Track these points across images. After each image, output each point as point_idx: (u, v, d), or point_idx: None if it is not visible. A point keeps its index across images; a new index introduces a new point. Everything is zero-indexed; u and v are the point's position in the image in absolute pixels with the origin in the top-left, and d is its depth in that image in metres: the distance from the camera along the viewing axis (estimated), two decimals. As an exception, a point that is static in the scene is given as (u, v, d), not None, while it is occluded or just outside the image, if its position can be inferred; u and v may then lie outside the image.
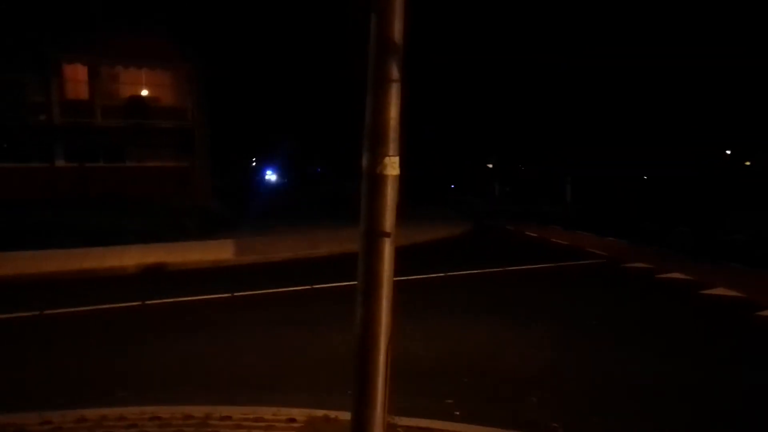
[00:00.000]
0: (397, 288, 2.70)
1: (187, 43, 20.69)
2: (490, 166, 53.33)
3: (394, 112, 2.62)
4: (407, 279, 9.46)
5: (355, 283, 2.66)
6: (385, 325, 2.70)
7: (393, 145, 2.63)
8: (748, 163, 41.25)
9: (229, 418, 4.24)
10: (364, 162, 2.66)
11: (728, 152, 38.82)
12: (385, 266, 2.66)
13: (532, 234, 17.95)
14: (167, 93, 22.33)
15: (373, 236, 2.64)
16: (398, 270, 2.71)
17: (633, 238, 16.48)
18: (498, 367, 5.75)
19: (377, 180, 2.62)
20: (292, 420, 4.20)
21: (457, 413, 4.59)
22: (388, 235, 2.65)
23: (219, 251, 12.95)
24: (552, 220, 22.37)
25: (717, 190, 32.97)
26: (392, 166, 2.63)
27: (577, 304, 8.56)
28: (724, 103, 33.75)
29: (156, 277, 10.97)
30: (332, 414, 4.23)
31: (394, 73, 2.59)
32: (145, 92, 21.86)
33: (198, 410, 4.35)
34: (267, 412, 4.34)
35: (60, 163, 20.10)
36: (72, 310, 8.21)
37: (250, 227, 17.62)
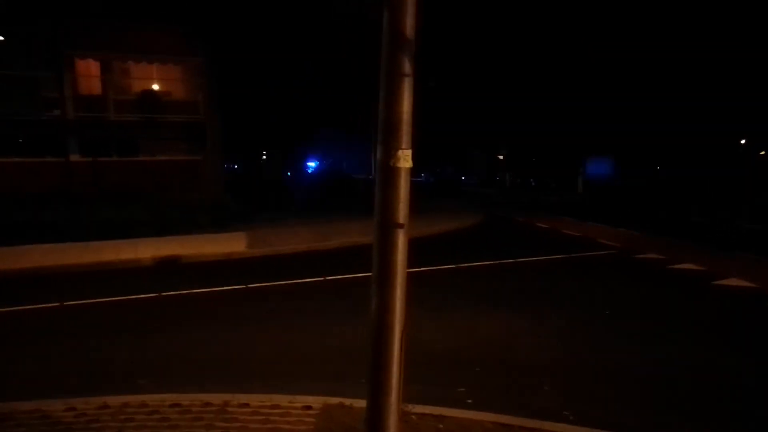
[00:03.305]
0: (411, 279, 2.76)
1: (197, 37, 20.81)
2: (501, 157, 53.14)
3: (406, 106, 2.67)
4: (421, 270, 9.53)
5: (368, 274, 2.73)
6: (399, 313, 2.77)
7: (406, 138, 2.68)
8: (763, 153, 40.71)
9: (246, 405, 4.35)
10: (378, 155, 2.71)
11: (742, 142, 38.29)
12: (398, 256, 2.73)
13: (543, 225, 17.91)
14: (179, 87, 22.48)
15: (387, 227, 2.71)
16: (411, 262, 2.77)
17: (646, 228, 16.40)
18: (510, 357, 5.81)
19: (391, 172, 2.68)
20: (308, 407, 4.30)
21: (470, 401, 4.67)
22: (401, 225, 2.71)
23: (232, 244, 13.09)
24: (563, 212, 22.29)
25: (731, 181, 32.60)
26: (405, 159, 2.68)
27: (589, 295, 8.59)
28: (739, 94, 33.31)
29: (171, 270, 11.13)
30: (347, 401, 4.32)
31: (407, 67, 2.64)
32: (156, 86, 22.00)
33: (217, 398, 4.47)
34: (283, 399, 4.44)
35: (74, 157, 20.33)
36: (91, 301, 8.38)
37: (262, 220, 17.75)
